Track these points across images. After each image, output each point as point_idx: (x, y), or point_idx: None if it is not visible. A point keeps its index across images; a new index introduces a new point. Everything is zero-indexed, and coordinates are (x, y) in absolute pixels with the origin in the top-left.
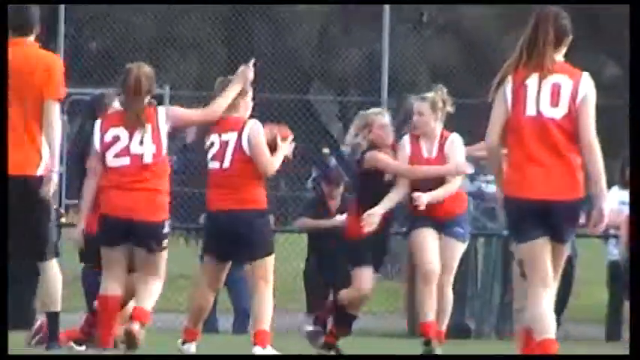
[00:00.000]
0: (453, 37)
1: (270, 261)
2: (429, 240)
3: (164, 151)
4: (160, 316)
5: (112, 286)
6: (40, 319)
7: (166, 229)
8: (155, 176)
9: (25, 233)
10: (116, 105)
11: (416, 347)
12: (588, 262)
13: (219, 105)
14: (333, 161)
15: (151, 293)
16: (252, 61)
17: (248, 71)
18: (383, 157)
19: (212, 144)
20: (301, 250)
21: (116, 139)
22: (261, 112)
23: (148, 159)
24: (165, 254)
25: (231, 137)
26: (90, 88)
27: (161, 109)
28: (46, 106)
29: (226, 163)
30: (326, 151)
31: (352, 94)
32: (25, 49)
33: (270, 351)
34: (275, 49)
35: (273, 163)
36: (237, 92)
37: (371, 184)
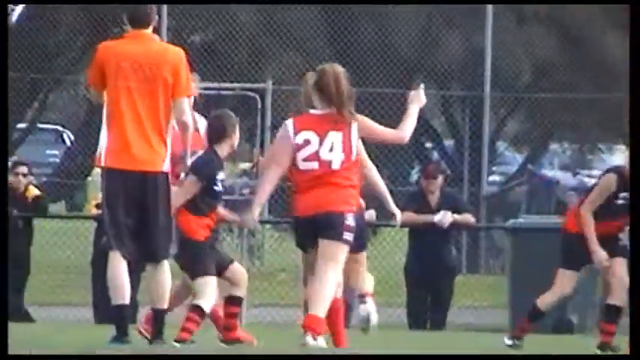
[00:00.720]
0: (556, 30)
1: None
2: None
3: (353, 158)
4: (256, 310)
5: None
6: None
7: (349, 222)
8: (342, 176)
9: (153, 232)
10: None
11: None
12: None
13: (408, 129)
14: (435, 155)
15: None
16: (422, 85)
17: (422, 94)
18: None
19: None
20: (404, 245)
21: (307, 142)
22: (363, 107)
23: (336, 165)
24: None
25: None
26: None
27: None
28: (179, 104)
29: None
30: (428, 145)
31: (454, 88)
32: (147, 41)
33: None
34: (378, 44)
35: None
36: (416, 114)
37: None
